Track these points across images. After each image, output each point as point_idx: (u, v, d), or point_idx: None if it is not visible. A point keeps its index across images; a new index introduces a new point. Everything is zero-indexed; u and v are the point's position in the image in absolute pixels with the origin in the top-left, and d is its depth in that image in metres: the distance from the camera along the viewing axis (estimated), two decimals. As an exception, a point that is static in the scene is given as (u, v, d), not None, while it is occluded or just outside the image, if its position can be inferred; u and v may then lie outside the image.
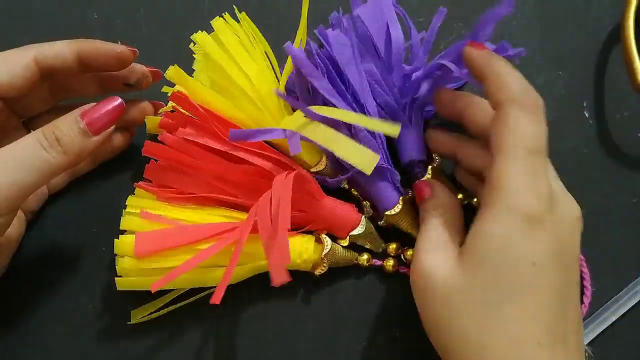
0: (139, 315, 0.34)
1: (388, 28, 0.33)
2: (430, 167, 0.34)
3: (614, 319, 0.35)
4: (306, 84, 0.32)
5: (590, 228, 0.36)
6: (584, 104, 0.38)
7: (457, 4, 0.39)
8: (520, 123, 0.26)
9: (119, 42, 0.32)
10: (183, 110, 0.33)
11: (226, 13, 0.34)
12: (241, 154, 0.31)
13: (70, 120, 0.29)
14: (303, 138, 0.30)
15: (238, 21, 0.34)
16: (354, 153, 0.29)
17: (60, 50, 0.31)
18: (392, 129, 0.28)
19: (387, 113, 0.34)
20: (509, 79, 0.27)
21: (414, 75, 0.33)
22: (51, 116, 0.33)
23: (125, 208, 0.32)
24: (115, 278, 0.31)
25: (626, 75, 0.36)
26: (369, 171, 0.28)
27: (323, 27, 0.34)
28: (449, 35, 0.39)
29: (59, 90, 0.34)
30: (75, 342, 0.35)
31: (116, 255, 0.31)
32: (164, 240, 0.30)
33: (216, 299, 0.28)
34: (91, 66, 0.31)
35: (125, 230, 0.32)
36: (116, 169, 0.37)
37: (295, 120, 0.31)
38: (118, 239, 0.31)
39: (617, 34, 0.38)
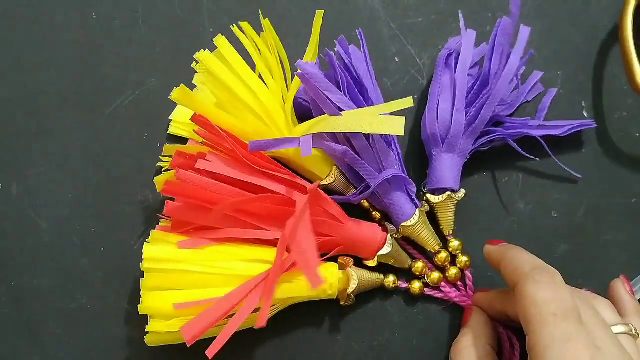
0: (154, 341, 0.31)
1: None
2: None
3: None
4: (320, 99, 0.32)
5: (590, 228, 0.36)
6: (583, 104, 0.38)
7: (456, 4, 0.39)
8: (537, 293, 0.26)
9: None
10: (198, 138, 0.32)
11: (234, 25, 0.33)
12: (258, 181, 0.31)
13: None
14: (316, 145, 0.31)
15: (240, 29, 0.34)
16: (380, 124, 0.30)
17: None
18: (407, 102, 0.30)
19: (433, 140, 0.34)
20: (520, 261, 0.28)
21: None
22: None
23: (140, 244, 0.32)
24: (145, 338, 0.31)
25: (624, 76, 0.36)
26: (401, 132, 0.29)
27: (344, 38, 0.33)
28: (448, 35, 0.38)
29: None
30: (75, 342, 0.35)
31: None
32: (208, 322, 0.29)
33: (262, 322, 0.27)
34: None
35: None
36: (115, 170, 0.37)
37: (310, 124, 0.31)
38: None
39: (615, 34, 0.39)
